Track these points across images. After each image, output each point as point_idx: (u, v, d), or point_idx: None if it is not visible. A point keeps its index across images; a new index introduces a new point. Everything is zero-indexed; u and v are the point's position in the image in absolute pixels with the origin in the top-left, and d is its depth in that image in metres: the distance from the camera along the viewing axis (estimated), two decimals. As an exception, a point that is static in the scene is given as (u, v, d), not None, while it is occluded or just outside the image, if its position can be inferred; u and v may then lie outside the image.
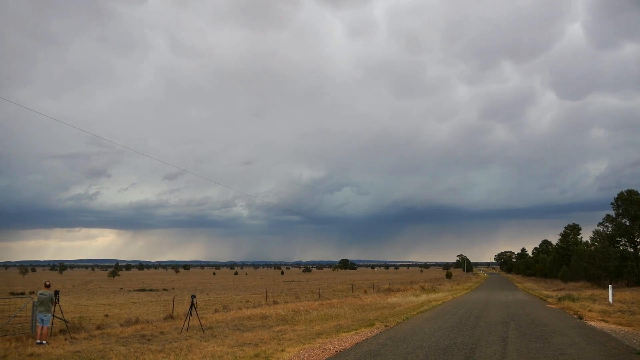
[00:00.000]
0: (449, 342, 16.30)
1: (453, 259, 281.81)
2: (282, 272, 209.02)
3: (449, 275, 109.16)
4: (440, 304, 34.70)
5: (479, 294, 52.17)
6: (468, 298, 43.79)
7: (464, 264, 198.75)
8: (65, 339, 17.61)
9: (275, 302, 36.44)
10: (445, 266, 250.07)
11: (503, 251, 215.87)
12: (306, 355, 13.97)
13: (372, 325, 21.25)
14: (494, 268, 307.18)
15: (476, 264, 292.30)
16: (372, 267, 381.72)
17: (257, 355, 14.07)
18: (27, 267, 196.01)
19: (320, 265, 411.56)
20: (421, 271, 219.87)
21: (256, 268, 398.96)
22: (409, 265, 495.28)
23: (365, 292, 52.02)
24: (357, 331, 19.34)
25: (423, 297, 40.84)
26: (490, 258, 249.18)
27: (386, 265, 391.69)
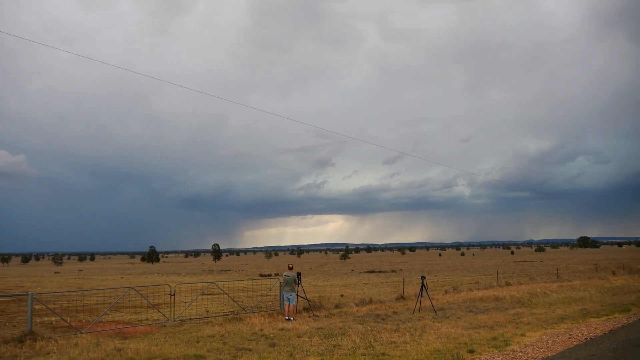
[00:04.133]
0: None
1: None
2: (512, 252, 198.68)
3: None
4: None
5: None
6: None
7: None
8: (309, 316, 19.13)
9: (507, 284, 34.66)
10: None
11: None
12: (550, 341, 12.86)
13: (628, 310, 18.73)
14: None
15: None
16: (619, 244, 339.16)
17: (494, 339, 13.43)
18: (270, 252, 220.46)
19: (554, 244, 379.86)
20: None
21: (483, 248, 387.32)
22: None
23: (614, 273, 46.35)
24: (609, 317, 17.24)
25: (690, 279, 34.78)
26: None
27: (637, 242, 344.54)
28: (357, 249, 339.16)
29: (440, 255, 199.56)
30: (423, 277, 21.62)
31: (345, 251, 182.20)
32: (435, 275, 54.75)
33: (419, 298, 20.76)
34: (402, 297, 25.33)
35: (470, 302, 23.02)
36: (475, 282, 38.72)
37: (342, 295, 30.03)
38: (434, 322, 17.00)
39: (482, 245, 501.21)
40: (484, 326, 15.78)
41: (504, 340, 13.14)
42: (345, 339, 13.77)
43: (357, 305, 22.61)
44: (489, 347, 12.35)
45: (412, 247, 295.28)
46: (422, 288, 20.78)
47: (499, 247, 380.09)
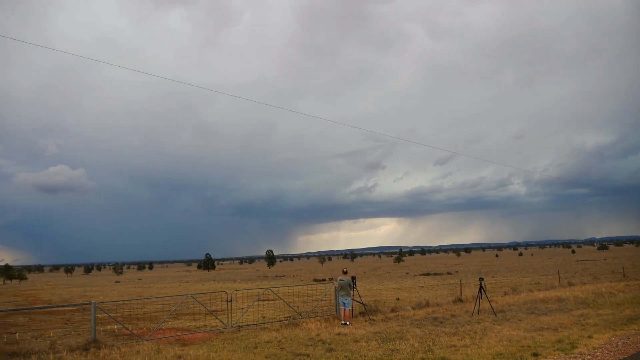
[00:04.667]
0: None
1: None
2: (573, 251, 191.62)
3: None
4: None
5: None
6: None
7: None
8: (365, 320, 18.97)
9: (570, 284, 33.40)
10: None
11: None
12: (620, 343, 12.24)
13: (703, 309, 17.65)
14: None
15: None
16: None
17: (559, 341, 12.91)
18: (324, 257, 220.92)
19: (618, 242, 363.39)
20: None
21: (542, 248, 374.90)
22: None
23: (684, 270, 43.95)
24: (683, 316, 16.28)
25: None
26: None
27: None
28: (411, 251, 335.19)
29: (497, 256, 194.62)
30: (481, 279, 21.06)
31: (399, 254, 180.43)
32: (493, 277, 53.38)
33: (478, 300, 20.26)
34: (460, 300, 24.81)
35: (531, 304, 22.27)
36: (536, 283, 37.46)
37: (397, 299, 29.67)
38: (494, 324, 16.53)
39: (541, 245, 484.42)
40: (548, 328, 15.21)
41: (570, 343, 12.61)
42: (403, 343, 13.56)
43: (413, 308, 22.30)
44: (555, 350, 11.88)
45: (468, 249, 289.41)
46: (480, 290, 20.26)
47: (559, 246, 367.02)
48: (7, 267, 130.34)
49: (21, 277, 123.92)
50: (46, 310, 32.28)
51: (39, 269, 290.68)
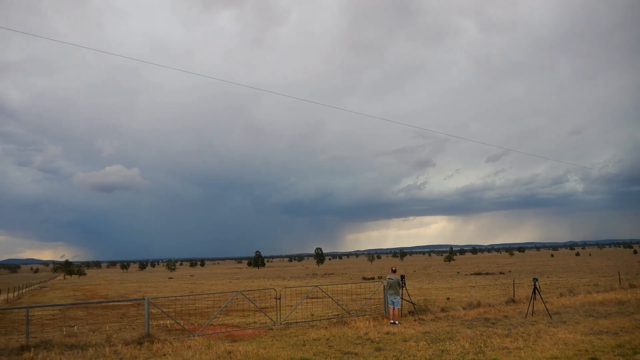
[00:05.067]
0: None
1: None
2: (635, 251, 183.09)
3: None
4: None
5: None
6: None
7: None
8: (414, 320, 18.70)
9: (631, 286, 31.89)
10: None
11: None
12: (687, 349, 11.55)
13: None
14: None
15: None
16: None
17: (620, 346, 12.31)
18: (373, 255, 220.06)
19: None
20: None
21: (601, 248, 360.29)
22: None
23: None
24: None
25: None
26: None
27: None
28: (462, 250, 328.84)
29: (552, 255, 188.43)
30: (535, 279, 20.35)
31: (450, 253, 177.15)
32: (548, 277, 51.66)
33: (532, 301, 19.61)
34: (513, 300, 24.11)
35: (589, 306, 21.39)
36: (594, 284, 35.98)
37: (448, 299, 29.13)
38: (549, 326, 15.96)
39: (600, 245, 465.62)
40: (607, 332, 14.55)
41: (632, 348, 12.00)
42: (453, 344, 13.27)
43: (464, 308, 21.82)
44: (615, 356, 11.33)
45: (521, 248, 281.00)
46: (534, 290, 19.61)
47: (619, 246, 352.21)
48: (68, 263, 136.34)
49: (80, 273, 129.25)
50: (103, 304, 33.48)
51: (97, 264, 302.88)
